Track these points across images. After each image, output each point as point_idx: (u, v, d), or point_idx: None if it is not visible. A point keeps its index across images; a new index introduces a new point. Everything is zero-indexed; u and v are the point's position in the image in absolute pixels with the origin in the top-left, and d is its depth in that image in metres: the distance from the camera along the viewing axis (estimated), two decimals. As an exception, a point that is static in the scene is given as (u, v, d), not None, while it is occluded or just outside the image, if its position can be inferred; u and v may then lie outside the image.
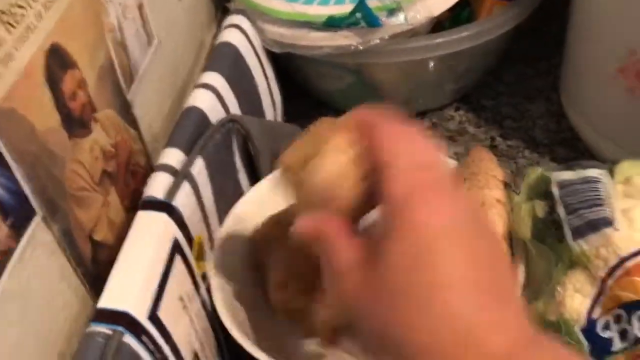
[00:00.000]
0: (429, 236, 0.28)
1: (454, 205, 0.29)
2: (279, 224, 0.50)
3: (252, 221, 0.52)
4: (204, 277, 0.45)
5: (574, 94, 0.62)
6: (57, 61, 0.36)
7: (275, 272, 0.49)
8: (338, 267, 0.31)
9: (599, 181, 0.40)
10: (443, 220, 0.28)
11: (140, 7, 0.50)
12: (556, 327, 0.38)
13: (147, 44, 0.51)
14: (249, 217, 0.52)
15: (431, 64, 0.63)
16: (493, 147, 0.66)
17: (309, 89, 0.72)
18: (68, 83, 0.37)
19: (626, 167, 0.41)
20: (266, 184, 0.53)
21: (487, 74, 0.72)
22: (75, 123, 0.38)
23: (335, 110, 0.70)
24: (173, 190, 0.42)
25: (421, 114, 0.71)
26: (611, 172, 0.41)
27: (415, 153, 0.30)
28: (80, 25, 0.39)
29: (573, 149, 0.64)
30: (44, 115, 0.35)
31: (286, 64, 0.68)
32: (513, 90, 0.72)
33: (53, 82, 0.35)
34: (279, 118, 0.67)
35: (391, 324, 0.28)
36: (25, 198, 0.33)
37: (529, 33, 0.76)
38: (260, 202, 0.52)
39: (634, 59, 0.51)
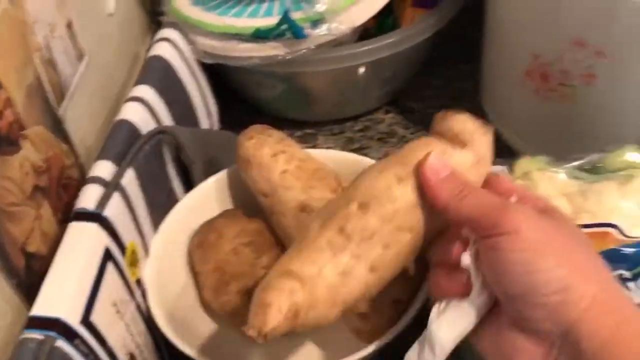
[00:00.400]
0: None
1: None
2: (213, 229, 0.53)
3: (187, 227, 0.54)
4: (139, 282, 0.47)
5: (491, 95, 0.66)
6: (-19, 83, 0.37)
7: (211, 276, 0.51)
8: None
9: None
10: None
11: (69, 25, 0.52)
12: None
13: (77, 60, 0.53)
14: (183, 224, 0.54)
15: (359, 70, 0.67)
16: (420, 148, 0.70)
17: (246, 97, 0.74)
18: (-6, 103, 0.39)
19: (524, 163, 0.44)
20: (199, 191, 0.55)
21: (414, 78, 0.75)
22: (3, 141, 0.39)
23: (272, 117, 0.73)
24: (103, 201, 0.44)
25: (353, 118, 0.74)
26: (511, 168, 0.45)
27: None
28: (5, 46, 0.41)
29: (494, 147, 0.68)
30: (-30, 135, 0.36)
31: (223, 74, 0.71)
32: (439, 93, 0.76)
33: (-22, 103, 0.37)
34: (216, 126, 0.69)
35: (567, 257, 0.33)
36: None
37: (453, 38, 0.81)
38: (194, 209, 0.55)
39: (537, 62, 0.55)
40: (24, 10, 0.44)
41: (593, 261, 0.33)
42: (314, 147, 0.71)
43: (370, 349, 0.43)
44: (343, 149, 0.70)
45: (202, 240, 0.52)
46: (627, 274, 0.38)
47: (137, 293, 0.47)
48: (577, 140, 0.49)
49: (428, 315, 0.37)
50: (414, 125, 0.73)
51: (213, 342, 0.51)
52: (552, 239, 0.33)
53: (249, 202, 0.55)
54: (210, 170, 0.57)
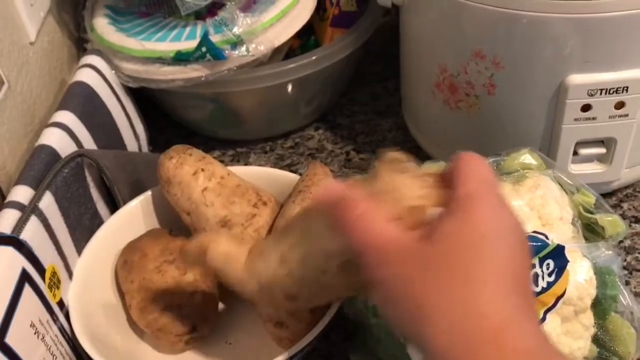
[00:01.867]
0: (485, 230, 0.32)
1: (506, 212, 0.34)
2: (137, 249, 0.54)
3: (114, 248, 0.55)
4: (61, 304, 0.48)
5: (409, 108, 0.69)
6: None
7: (137, 296, 0.52)
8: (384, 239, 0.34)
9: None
10: (499, 222, 0.33)
11: (-14, 54, 0.53)
12: (379, 312, 0.43)
13: (-4, 88, 0.54)
14: (109, 244, 0.55)
15: (284, 89, 0.69)
16: (348, 161, 0.72)
17: (178, 120, 0.76)
18: None
19: (427, 168, 0.47)
20: (124, 212, 0.56)
21: (340, 95, 0.78)
22: None
23: (205, 137, 0.75)
24: (20, 225, 0.45)
25: (284, 136, 0.76)
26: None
27: (481, 171, 0.35)
28: None
29: (417, 156, 0.71)
30: None
31: (154, 98, 0.72)
32: (365, 109, 0.78)
33: None
34: (145, 149, 0.70)
35: (432, 292, 0.31)
36: None
37: (378, 55, 0.84)
38: (120, 230, 0.56)
39: (445, 75, 0.58)
40: None
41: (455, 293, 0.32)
42: (246, 164, 0.73)
43: (286, 354, 0.44)
44: (274, 165, 0.72)
45: (127, 260, 0.53)
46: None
47: (60, 315, 0.48)
48: (485, 144, 0.51)
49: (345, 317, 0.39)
50: (341, 140, 0.75)
51: (141, 360, 0.52)
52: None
53: (174, 220, 0.56)
54: (136, 191, 0.58)
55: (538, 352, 0.30)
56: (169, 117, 0.76)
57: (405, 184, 0.36)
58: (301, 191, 0.52)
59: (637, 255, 0.59)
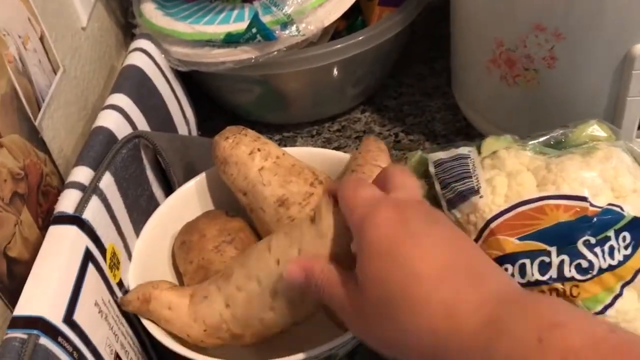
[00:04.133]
0: (383, 247, 0.33)
1: (397, 213, 0.34)
2: (196, 229, 0.54)
3: (169, 229, 0.55)
4: (120, 284, 0.48)
5: (461, 86, 0.67)
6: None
7: (196, 276, 0.52)
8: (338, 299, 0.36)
9: (467, 157, 0.45)
10: (388, 229, 0.33)
11: (42, 39, 0.53)
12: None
13: (53, 72, 0.54)
14: (166, 226, 0.55)
15: (331, 70, 0.68)
16: (397, 142, 0.71)
17: (224, 105, 0.75)
18: (-31, 111, 0.40)
19: (490, 143, 0.46)
20: (180, 194, 0.56)
21: (387, 76, 0.77)
22: (-22, 148, 0.40)
23: (250, 122, 0.74)
24: (82, 205, 0.45)
25: (330, 119, 0.75)
26: (479, 149, 0.46)
27: (361, 197, 0.36)
28: (-23, 57, 0.42)
29: (467, 136, 0.70)
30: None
31: (200, 83, 0.72)
32: (412, 90, 0.77)
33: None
34: (194, 133, 0.70)
35: (380, 337, 0.33)
36: None
37: (424, 37, 0.83)
38: (176, 211, 0.55)
39: (502, 49, 0.56)
40: (-5, 23, 0.45)
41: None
42: (292, 148, 0.72)
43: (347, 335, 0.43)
44: (322, 149, 0.71)
45: (185, 241, 0.53)
46: (592, 239, 0.39)
47: (119, 294, 0.48)
48: (543, 120, 0.50)
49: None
50: (389, 122, 0.74)
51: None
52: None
53: (229, 202, 0.56)
54: (189, 174, 0.58)
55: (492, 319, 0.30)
56: (214, 103, 0.76)
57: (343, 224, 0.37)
58: (354, 170, 0.51)
59: None
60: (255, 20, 0.60)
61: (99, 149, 0.50)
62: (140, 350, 0.49)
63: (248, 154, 0.53)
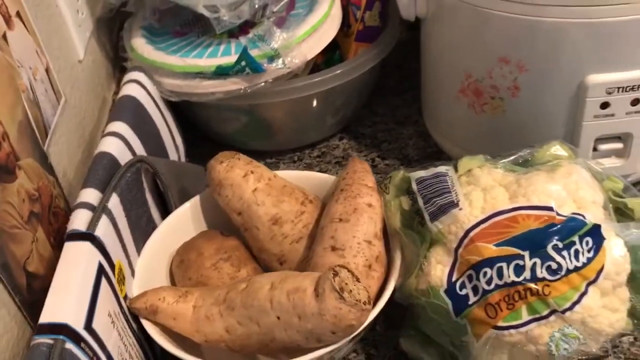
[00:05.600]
0: None
1: None
2: (193, 248, 0.57)
3: (167, 249, 0.58)
4: (126, 298, 0.51)
5: (432, 115, 0.73)
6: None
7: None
8: None
9: (446, 175, 0.50)
10: None
11: (47, 70, 0.57)
12: (426, 293, 0.47)
13: (57, 101, 0.57)
14: (164, 245, 0.58)
15: (313, 100, 0.73)
16: (374, 167, 0.76)
17: (210, 133, 0.79)
18: (-6, 136, 0.43)
19: (466, 162, 0.51)
20: (177, 215, 0.60)
21: (362, 107, 0.82)
22: (2, 170, 0.43)
23: (235, 149, 0.78)
24: (94, 223, 0.48)
25: (310, 146, 0.80)
26: (456, 167, 0.51)
27: None
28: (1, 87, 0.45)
29: (439, 160, 0.75)
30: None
31: (187, 112, 0.76)
32: (386, 119, 0.83)
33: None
34: (183, 159, 0.74)
35: None
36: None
37: (395, 70, 0.89)
38: (173, 232, 0.59)
39: (470, 80, 0.62)
40: (11, 55, 0.49)
41: None
42: (276, 174, 0.76)
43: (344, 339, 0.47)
44: (303, 174, 0.76)
45: (183, 259, 0.56)
46: (560, 244, 0.45)
47: (125, 308, 0.51)
48: (509, 144, 0.55)
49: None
50: (365, 148, 0.79)
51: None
52: None
53: (221, 223, 0.59)
54: (182, 198, 0.61)
55: None
56: (199, 131, 0.80)
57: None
58: (343, 190, 0.55)
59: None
60: (244, 54, 0.65)
61: (103, 173, 0.54)
62: (144, 360, 0.52)
63: (242, 176, 0.57)
